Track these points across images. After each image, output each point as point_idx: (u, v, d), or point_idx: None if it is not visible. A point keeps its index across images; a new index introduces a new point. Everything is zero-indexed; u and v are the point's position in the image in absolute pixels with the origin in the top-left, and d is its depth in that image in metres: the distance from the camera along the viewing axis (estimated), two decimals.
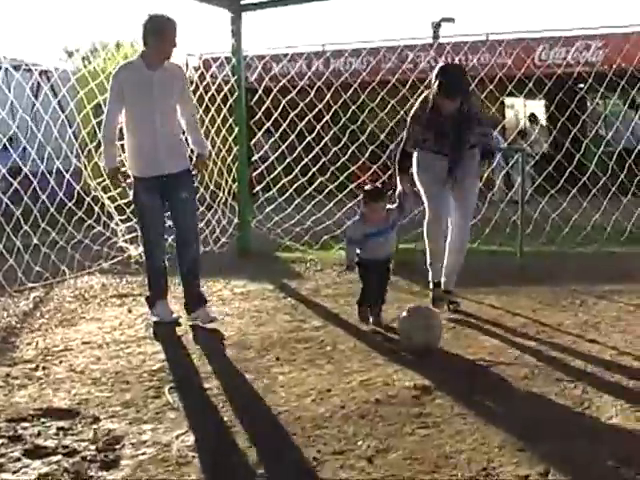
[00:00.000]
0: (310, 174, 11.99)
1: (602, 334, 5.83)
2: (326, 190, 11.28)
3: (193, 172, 6.45)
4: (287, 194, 11.14)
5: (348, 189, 10.90)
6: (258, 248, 10.19)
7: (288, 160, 11.29)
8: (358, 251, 6.14)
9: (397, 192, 6.23)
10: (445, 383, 4.74)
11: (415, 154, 6.53)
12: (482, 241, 9.62)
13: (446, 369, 5.07)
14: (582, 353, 5.37)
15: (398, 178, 6.40)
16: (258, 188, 11.01)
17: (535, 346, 5.55)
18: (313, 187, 11.78)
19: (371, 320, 6.17)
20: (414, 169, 6.55)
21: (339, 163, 11.41)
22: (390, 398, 4.47)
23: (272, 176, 11.09)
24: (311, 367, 5.19)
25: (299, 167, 11.52)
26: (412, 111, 6.50)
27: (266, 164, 11.16)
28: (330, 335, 5.94)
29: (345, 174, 11.33)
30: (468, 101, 6.34)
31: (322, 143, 11.41)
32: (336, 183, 11.16)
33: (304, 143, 11.19)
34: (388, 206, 6.13)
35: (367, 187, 6.10)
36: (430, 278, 6.76)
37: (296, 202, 11.16)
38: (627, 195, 10.77)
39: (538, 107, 20.93)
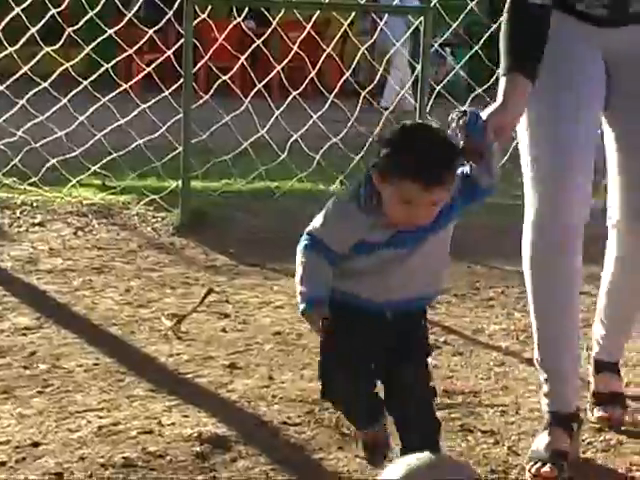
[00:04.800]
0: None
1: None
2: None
3: None
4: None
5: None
6: None
7: None
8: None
9: (466, 124, 2.22)
10: (262, 431, 2.83)
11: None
12: None
13: (268, 407, 3.01)
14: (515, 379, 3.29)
15: (502, 86, 2.45)
16: None
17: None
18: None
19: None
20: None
21: None
22: (152, 458, 2.60)
23: None
24: (5, 402, 3.01)
25: None
26: None
27: None
28: (49, 343, 3.53)
29: None
30: None
31: None
32: None
33: None
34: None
35: (401, 127, 2.16)
36: (545, 401, 2.64)
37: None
38: None
39: None
